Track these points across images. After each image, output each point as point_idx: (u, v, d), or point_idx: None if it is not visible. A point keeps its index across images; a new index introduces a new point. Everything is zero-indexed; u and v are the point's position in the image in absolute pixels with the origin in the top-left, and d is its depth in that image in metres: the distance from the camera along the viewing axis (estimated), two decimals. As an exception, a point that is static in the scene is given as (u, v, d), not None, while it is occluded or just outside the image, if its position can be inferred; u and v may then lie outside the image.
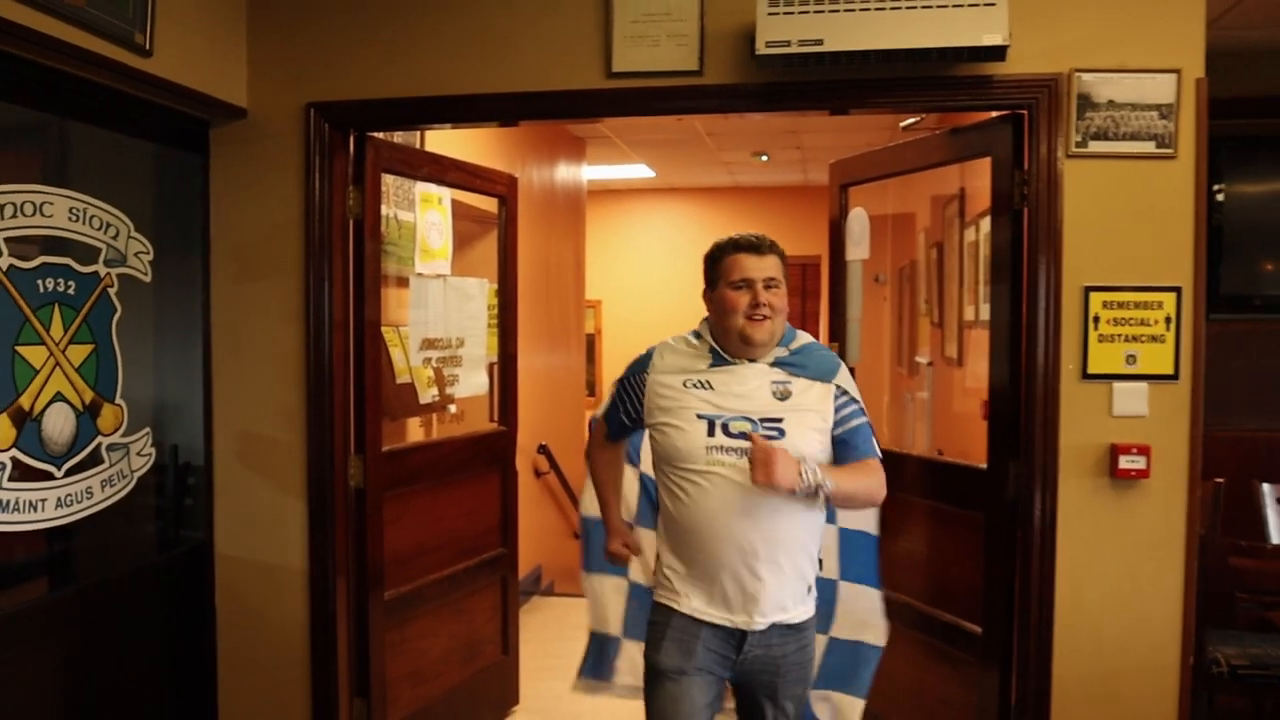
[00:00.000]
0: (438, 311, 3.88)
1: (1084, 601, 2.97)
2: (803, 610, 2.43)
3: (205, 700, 3.41)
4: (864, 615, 2.79)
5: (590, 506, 2.90)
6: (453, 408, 4.36)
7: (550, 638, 5.24)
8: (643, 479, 2.91)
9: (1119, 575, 2.95)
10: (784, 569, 2.35)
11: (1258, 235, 5.04)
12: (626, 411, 2.54)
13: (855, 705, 2.81)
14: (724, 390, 2.36)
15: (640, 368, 2.50)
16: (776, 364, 2.39)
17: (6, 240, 2.63)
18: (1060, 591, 2.97)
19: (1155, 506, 2.91)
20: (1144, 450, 2.87)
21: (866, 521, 2.75)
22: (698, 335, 2.47)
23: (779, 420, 2.33)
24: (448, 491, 3.91)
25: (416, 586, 3.70)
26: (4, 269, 2.63)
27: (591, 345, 9.80)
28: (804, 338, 2.47)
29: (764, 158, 8.22)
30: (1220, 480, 4.41)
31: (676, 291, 9.59)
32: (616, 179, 9.35)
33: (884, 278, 7.21)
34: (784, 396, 2.35)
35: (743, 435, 2.29)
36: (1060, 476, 2.95)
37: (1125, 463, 2.88)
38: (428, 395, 4.04)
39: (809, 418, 2.36)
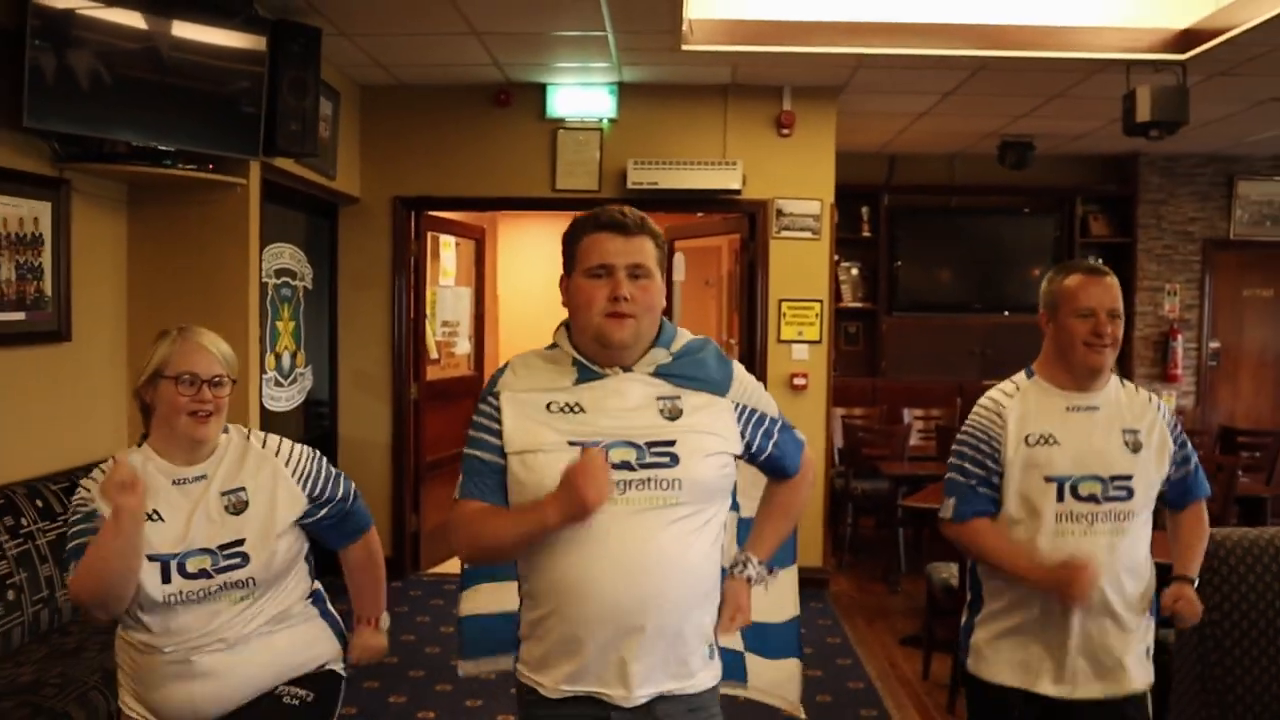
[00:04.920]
0: (449, 307, 6.90)
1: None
2: (704, 676, 1.98)
3: (329, 514, 6.33)
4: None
5: (468, 606, 2.56)
6: (440, 360, 7.36)
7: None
8: None
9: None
10: (676, 628, 1.91)
11: (919, 264, 8.47)
12: (489, 451, 1.95)
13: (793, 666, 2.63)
14: (598, 411, 1.92)
15: (489, 390, 2.01)
16: (659, 374, 1.97)
17: (275, 271, 5.54)
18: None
19: (811, 402, 6.18)
20: (805, 375, 6.15)
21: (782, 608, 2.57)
22: (554, 346, 2.04)
23: (670, 444, 1.90)
24: (449, 407, 6.92)
25: (436, 459, 6.70)
26: (274, 285, 5.54)
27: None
28: (685, 335, 2.05)
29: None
30: (885, 406, 7.83)
31: (555, 284, 12.65)
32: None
33: (712, 281, 10.51)
34: (674, 415, 1.93)
35: (626, 465, 1.87)
36: (769, 388, 6.18)
37: (797, 381, 6.15)
38: (434, 355, 7.03)
39: (706, 440, 1.94)
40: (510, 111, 6.15)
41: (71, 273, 4.16)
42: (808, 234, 6.13)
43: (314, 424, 6.22)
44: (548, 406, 1.94)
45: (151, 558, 2.24)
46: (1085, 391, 2.52)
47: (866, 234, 8.32)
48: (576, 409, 1.93)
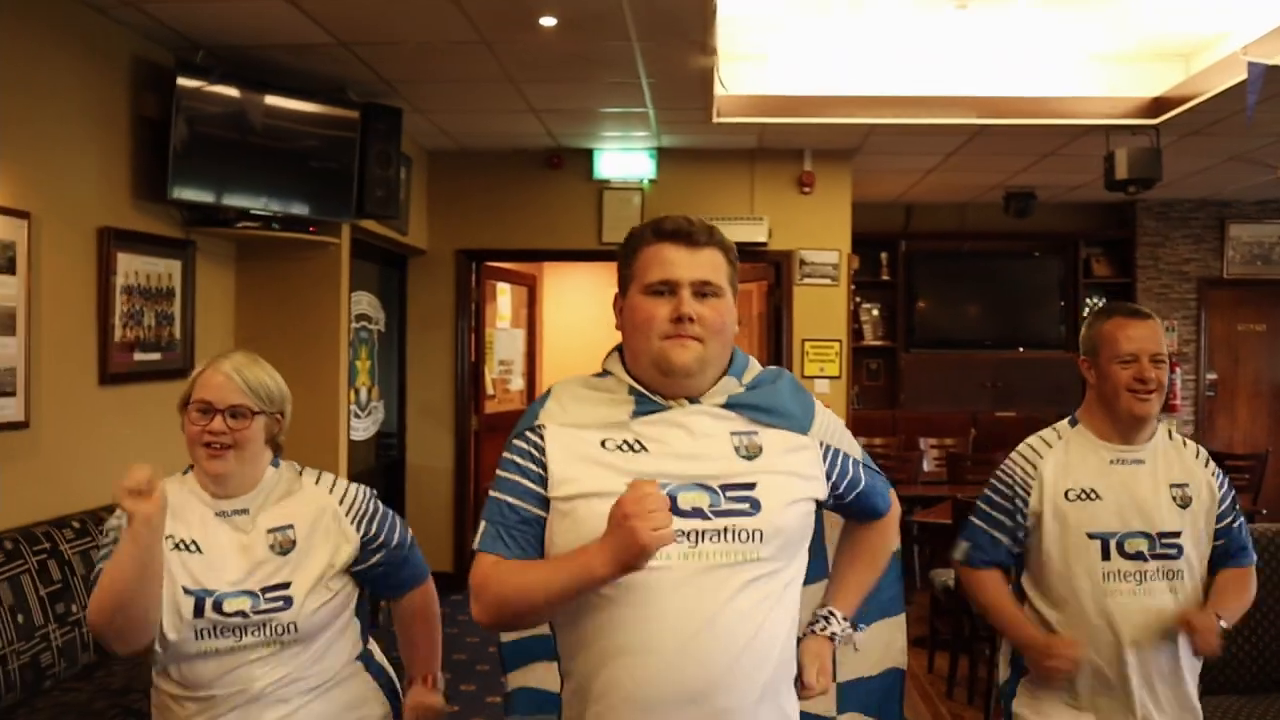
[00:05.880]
0: (504, 347, 7.65)
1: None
2: None
3: (398, 533, 7.05)
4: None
5: (518, 681, 2.02)
6: (496, 396, 8.10)
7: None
8: None
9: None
10: (752, 707, 1.59)
11: (935, 305, 9.11)
12: (526, 499, 1.66)
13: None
14: (664, 449, 1.62)
15: (528, 423, 1.72)
16: (731, 405, 1.67)
17: (355, 316, 6.29)
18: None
19: (833, 431, 6.82)
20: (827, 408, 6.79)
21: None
22: (605, 374, 1.75)
23: (749, 487, 1.60)
24: (504, 438, 7.62)
25: (493, 484, 7.40)
26: (355, 329, 6.29)
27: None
28: (756, 366, 1.77)
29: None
30: (904, 435, 8.45)
31: (597, 325, 13.40)
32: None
33: (743, 322, 11.24)
34: (752, 454, 1.63)
35: (698, 513, 1.57)
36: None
37: (820, 412, 6.81)
38: (490, 391, 7.77)
39: (789, 484, 1.64)
40: (561, 173, 6.92)
41: (195, 319, 4.93)
42: (827, 281, 6.82)
43: (384, 453, 6.95)
44: (603, 444, 1.63)
45: (187, 591, 2.01)
46: (1130, 444, 2.39)
47: (886, 277, 9.00)
48: (637, 447, 1.62)
